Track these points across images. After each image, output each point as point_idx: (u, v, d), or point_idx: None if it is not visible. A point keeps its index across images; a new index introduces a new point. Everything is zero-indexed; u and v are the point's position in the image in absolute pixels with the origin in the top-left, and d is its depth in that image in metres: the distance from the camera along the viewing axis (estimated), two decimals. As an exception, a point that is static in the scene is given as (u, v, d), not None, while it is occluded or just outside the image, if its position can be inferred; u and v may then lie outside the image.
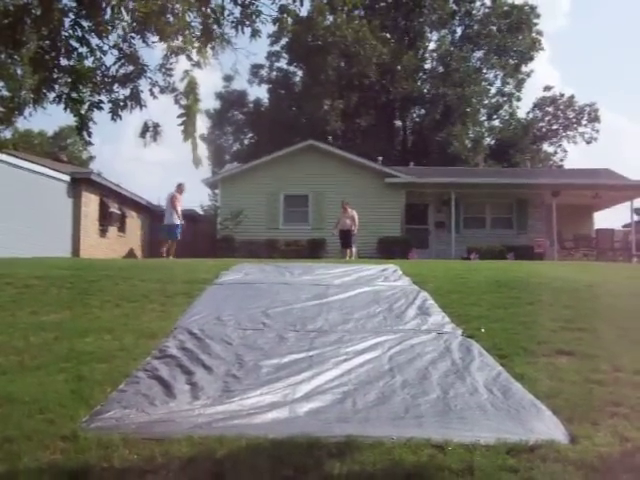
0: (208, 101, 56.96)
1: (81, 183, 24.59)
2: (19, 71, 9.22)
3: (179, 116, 7.26)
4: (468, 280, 11.29)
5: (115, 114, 7.35)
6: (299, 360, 6.04)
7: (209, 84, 65.28)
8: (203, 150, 47.62)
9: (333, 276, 11.38)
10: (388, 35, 47.42)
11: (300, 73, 49.83)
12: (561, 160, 53.37)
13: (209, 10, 8.13)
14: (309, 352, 6.32)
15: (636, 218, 29.71)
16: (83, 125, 7.52)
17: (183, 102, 7.37)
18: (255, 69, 49.39)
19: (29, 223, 20.56)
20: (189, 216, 34.08)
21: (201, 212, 33.68)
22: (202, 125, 52.86)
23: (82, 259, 20.30)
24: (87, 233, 24.99)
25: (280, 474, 3.66)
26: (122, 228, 29.20)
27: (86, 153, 60.37)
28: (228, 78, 47.86)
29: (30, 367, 5.85)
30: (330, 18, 41.81)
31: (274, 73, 50.49)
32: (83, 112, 7.60)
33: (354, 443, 4.09)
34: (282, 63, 50.21)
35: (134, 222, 31.07)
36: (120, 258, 25.87)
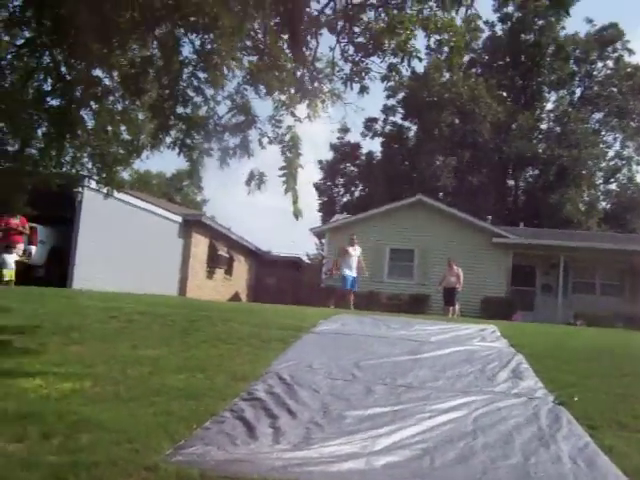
0: (322, 151, 58.12)
1: (192, 225, 25.52)
2: (140, 116, 9.80)
3: (280, 169, 7.49)
4: (568, 346, 11.01)
5: (223, 161, 7.71)
6: (383, 414, 6.05)
7: (324, 135, 66.75)
8: (314, 199, 48.40)
9: (430, 333, 11.32)
10: (504, 94, 47.25)
11: (414, 128, 50.15)
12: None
13: (317, 66, 8.47)
14: (394, 407, 6.31)
15: None
16: (194, 170, 7.94)
17: (285, 155, 7.62)
18: (369, 122, 50.12)
19: (141, 260, 21.41)
20: (295, 263, 34.72)
21: (307, 260, 34.15)
22: (313, 174, 53.79)
23: (187, 298, 20.91)
24: (195, 273, 25.79)
25: (348, 524, 3.69)
26: (229, 271, 29.95)
27: (200, 196, 62.44)
28: (343, 130, 48.73)
29: (124, 398, 6.11)
30: (447, 75, 42.20)
31: (388, 127, 51.02)
32: (194, 157, 8.03)
33: (426, 501, 4.08)
34: (397, 117, 50.76)
35: (241, 266, 31.82)
36: (225, 301, 26.46)
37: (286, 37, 7.44)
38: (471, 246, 28.01)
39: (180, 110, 8.16)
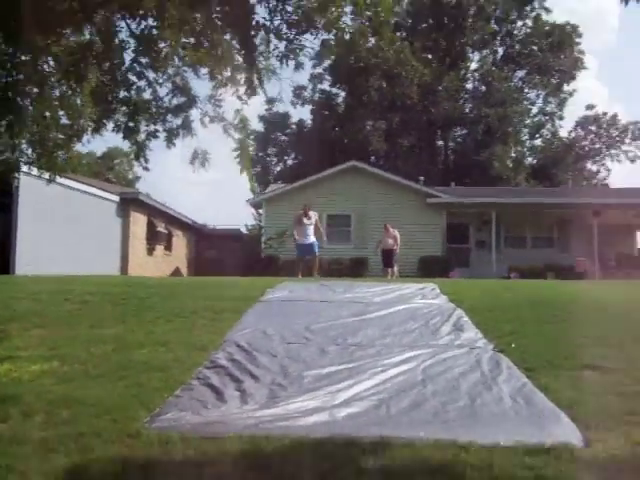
0: (251, 124, 57.95)
1: (129, 203, 25.55)
2: (78, 101, 9.93)
3: (234, 150, 7.79)
4: (504, 298, 11.67)
5: (170, 142, 7.99)
6: (339, 371, 6.52)
7: (252, 107, 66.53)
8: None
9: (373, 294, 11.83)
10: (430, 56, 47.95)
11: (343, 94, 50.51)
12: (605, 178, 53.16)
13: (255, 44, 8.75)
14: (348, 364, 6.78)
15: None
16: (140, 152, 8.18)
17: (236, 136, 7.89)
18: (298, 90, 50.25)
19: (80, 242, 21.43)
20: (234, 235, 34.95)
21: (246, 232, 34.36)
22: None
23: (131, 277, 21.03)
24: (135, 252, 25.88)
25: (320, 468, 4.13)
26: (168, 247, 30.08)
27: (132, 173, 61.87)
28: (271, 101, 48.65)
29: (93, 375, 6.42)
30: (372, 40, 42.49)
31: (317, 95, 51.26)
32: (140, 140, 8.27)
33: (387, 443, 4.55)
34: (325, 85, 51.02)
35: (180, 241, 31.94)
36: (167, 276, 26.61)
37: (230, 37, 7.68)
38: (406, 208, 28.74)
39: (122, 95, 8.39)
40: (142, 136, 8.23)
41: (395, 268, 22.60)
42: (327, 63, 47.76)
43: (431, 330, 8.68)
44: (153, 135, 7.97)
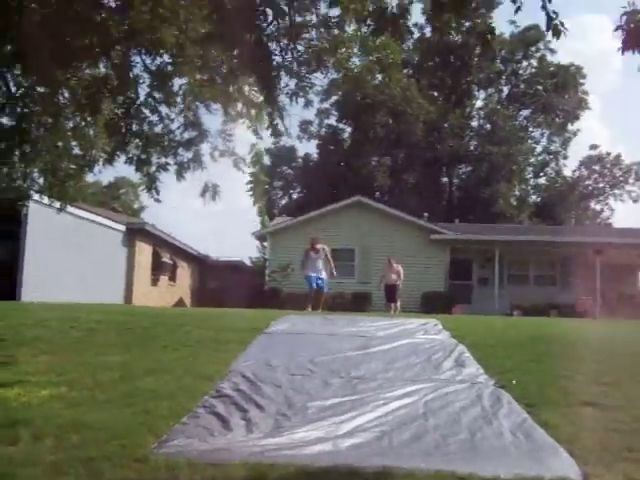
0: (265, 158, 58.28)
1: (135, 233, 25.77)
2: (91, 132, 10.17)
3: (247, 183, 7.99)
4: (506, 335, 11.79)
5: (180, 175, 8.20)
6: (342, 403, 6.63)
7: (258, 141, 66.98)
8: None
9: (376, 328, 11.95)
10: (435, 93, 48.48)
11: (349, 130, 50.97)
12: (609, 218, 53.40)
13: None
14: (351, 396, 6.90)
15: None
16: (152, 184, 8.39)
17: (250, 170, 8.08)
18: (304, 125, 50.73)
19: (86, 270, 21.61)
20: (237, 267, 35.11)
21: (249, 264, 34.50)
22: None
23: (136, 306, 21.18)
24: (140, 281, 26.04)
25: (324, 495, 4.25)
26: (173, 277, 30.24)
27: (138, 203, 62.26)
28: (277, 134, 49.09)
29: (101, 401, 6.54)
30: (379, 77, 43.02)
31: (323, 129, 51.74)
32: (151, 173, 8.49)
33: (389, 473, 4.66)
34: (332, 120, 51.50)
35: (184, 272, 32.10)
36: (170, 307, 26.73)
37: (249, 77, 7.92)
38: (410, 243, 28.94)
39: (135, 128, 8.62)
40: (153, 168, 8.43)
41: (398, 303, 22.70)
42: (334, 99, 48.33)
43: (433, 365, 8.80)
44: (164, 168, 8.19)
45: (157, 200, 8.47)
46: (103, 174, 36.77)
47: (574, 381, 7.90)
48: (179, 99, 8.22)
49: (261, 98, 8.19)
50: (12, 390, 6.90)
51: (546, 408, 6.66)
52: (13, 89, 9.73)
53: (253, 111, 8.35)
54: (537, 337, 11.46)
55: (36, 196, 12.76)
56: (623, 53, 4.74)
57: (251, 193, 9.02)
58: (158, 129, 8.47)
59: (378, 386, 7.44)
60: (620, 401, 6.98)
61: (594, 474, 4.80)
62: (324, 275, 19.03)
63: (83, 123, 9.95)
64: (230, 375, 7.73)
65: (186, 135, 8.83)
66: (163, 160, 8.34)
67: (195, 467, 4.74)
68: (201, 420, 5.93)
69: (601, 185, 54.11)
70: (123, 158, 8.95)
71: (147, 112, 8.25)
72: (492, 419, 6.18)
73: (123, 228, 25.08)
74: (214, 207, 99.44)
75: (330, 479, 4.53)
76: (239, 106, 8.32)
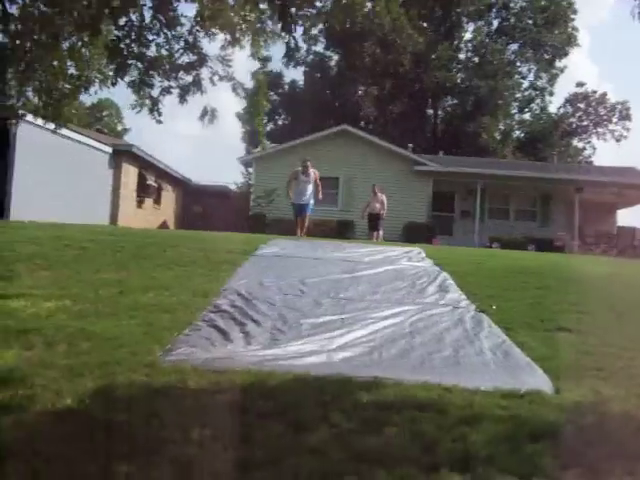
0: (244, 81, 57.60)
1: (122, 155, 25.80)
2: (87, 53, 10.25)
3: (245, 108, 8.22)
4: (486, 265, 12.26)
5: (183, 98, 8.39)
6: (333, 321, 7.06)
7: (244, 65, 66.52)
8: (239, 128, 48.75)
9: (361, 254, 12.38)
10: (425, 24, 48.04)
11: (336, 58, 50.55)
12: (590, 156, 53.84)
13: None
14: (341, 315, 7.32)
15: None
16: (154, 106, 8.58)
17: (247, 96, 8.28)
18: (291, 52, 50.10)
19: (73, 191, 21.76)
20: (221, 192, 35.28)
21: (234, 189, 34.66)
22: (234, 104, 53.87)
23: (125, 227, 21.42)
24: (125, 203, 26.25)
25: (322, 399, 4.65)
26: (158, 200, 30.43)
27: (120, 125, 61.84)
28: (265, 59, 48.67)
29: (105, 314, 6.90)
30: (369, 5, 42.52)
31: (310, 57, 51.26)
32: (155, 96, 8.66)
33: (379, 382, 5.09)
34: (319, 47, 50.99)
35: (169, 195, 32.28)
36: (155, 229, 26.99)
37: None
38: (393, 174, 29.21)
39: (137, 50, 8.73)
40: (156, 91, 8.60)
41: (380, 232, 23.02)
42: (322, 25, 47.68)
43: (417, 289, 9.24)
44: (167, 91, 8.36)
45: (159, 121, 8.64)
46: (86, 96, 36.16)
47: (550, 309, 8.37)
48: (184, 23, 8.33)
49: (264, 24, 8.35)
50: (18, 301, 7.24)
51: (523, 331, 7.13)
52: (8, 6, 9.76)
53: (257, 37, 8.50)
54: (517, 268, 11.93)
55: (29, 117, 12.82)
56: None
57: (248, 117, 9.08)
58: (160, 52, 8.59)
59: (366, 306, 7.87)
60: (592, 327, 7.45)
61: (565, 388, 5.25)
62: (311, 200, 18.30)
63: (80, 43, 10.01)
64: (226, 293, 8.12)
65: (186, 59, 8.95)
66: (166, 83, 8.48)
67: (200, 373, 5.14)
68: (202, 332, 6.32)
69: (585, 123, 54.36)
70: (123, 81, 9.05)
71: (149, 35, 8.37)
72: (473, 339, 6.63)
73: (110, 150, 25.13)
74: (198, 132, 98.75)
75: (326, 385, 4.94)
76: (242, 31, 8.46)
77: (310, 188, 18.15)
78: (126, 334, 6.09)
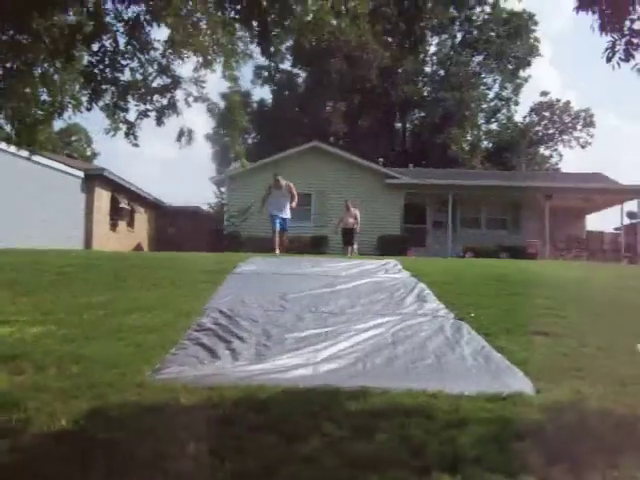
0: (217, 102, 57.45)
1: (94, 179, 25.78)
2: (59, 78, 10.31)
3: (222, 131, 8.39)
4: (461, 274, 12.46)
5: (160, 121, 8.48)
6: (316, 334, 7.18)
7: (213, 85, 66.59)
8: (209, 149, 48.80)
9: (339, 269, 12.52)
10: (390, 39, 48.57)
11: (304, 75, 50.87)
12: (557, 163, 54.63)
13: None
14: (324, 329, 7.44)
15: (626, 221, 30.89)
16: (130, 131, 8.66)
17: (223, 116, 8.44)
18: (258, 70, 50.45)
19: (45, 216, 21.69)
20: (193, 212, 35.29)
21: (208, 209, 34.65)
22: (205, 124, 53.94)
23: (101, 251, 21.36)
24: (99, 227, 26.17)
25: (311, 409, 4.78)
26: (131, 223, 30.38)
27: (90, 150, 61.62)
28: (232, 79, 48.79)
29: (91, 337, 6.96)
30: (334, 22, 42.92)
31: (278, 74, 51.53)
32: (131, 119, 8.75)
33: (366, 391, 5.22)
34: (286, 65, 51.30)
35: (142, 217, 32.22)
36: (130, 251, 26.93)
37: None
38: (365, 188, 29.47)
39: (110, 76, 8.82)
40: (132, 115, 8.68)
41: (355, 246, 23.17)
42: (289, 43, 48.05)
43: (396, 301, 9.40)
44: (145, 114, 8.44)
45: (135, 145, 8.71)
46: (57, 121, 36.10)
47: (527, 314, 8.56)
48: (158, 47, 8.43)
49: (235, 45, 8.50)
50: (3, 328, 7.28)
51: (502, 337, 7.32)
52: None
53: (228, 58, 8.65)
54: (491, 276, 12.14)
55: (2, 144, 12.81)
56: (578, 13, 5.13)
57: (227, 138, 9.25)
58: (134, 76, 8.68)
59: (347, 319, 8.01)
60: (568, 330, 7.66)
61: (546, 389, 5.44)
62: (288, 215, 18.07)
63: (52, 70, 10.07)
64: (208, 311, 8.22)
65: (160, 82, 9.05)
66: (142, 107, 8.57)
67: (191, 390, 5.24)
68: (189, 350, 6.43)
69: (551, 131, 55.20)
70: (97, 106, 9.12)
71: (123, 60, 8.46)
72: (455, 346, 6.80)
73: (81, 174, 25.09)
74: (167, 154, 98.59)
75: (315, 396, 5.07)
76: (214, 53, 8.61)
77: (286, 202, 17.97)
78: (115, 355, 6.17)
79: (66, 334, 7.07)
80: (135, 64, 8.42)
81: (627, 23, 4.93)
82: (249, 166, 32.34)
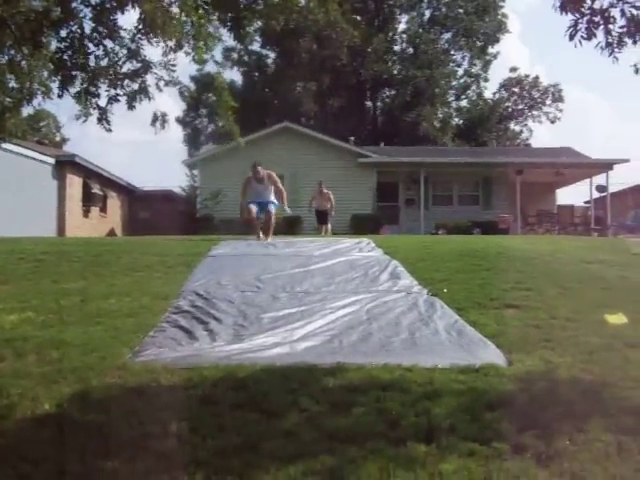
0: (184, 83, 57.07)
1: (65, 165, 25.57)
2: (27, 65, 10.25)
3: (216, 114, 8.48)
4: (434, 251, 12.62)
5: (131, 105, 8.49)
6: (292, 314, 7.29)
7: (182, 67, 66.16)
8: (180, 132, 48.54)
9: (312, 249, 12.63)
10: (359, 18, 48.48)
11: (273, 56, 50.68)
12: (527, 139, 55.04)
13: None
14: (299, 308, 7.56)
15: (596, 195, 31.28)
16: (103, 116, 8.66)
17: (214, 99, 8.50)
18: (227, 52, 50.16)
19: (16, 204, 21.51)
20: (166, 196, 35.16)
21: (181, 192, 34.52)
22: (178, 107, 53.60)
23: (75, 238, 21.25)
24: (71, 213, 26.01)
25: (290, 386, 4.90)
26: (104, 209, 30.22)
27: (59, 135, 60.94)
28: (202, 61, 48.47)
29: (70, 322, 7.02)
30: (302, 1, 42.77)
31: (247, 56, 51.26)
32: (102, 105, 8.74)
33: (342, 367, 5.35)
34: (255, 46, 51.04)
35: (114, 203, 32.06)
36: (103, 237, 26.81)
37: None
38: (338, 168, 29.55)
39: (81, 61, 8.80)
40: (103, 100, 8.67)
41: (329, 225, 23.23)
42: (257, 25, 47.76)
43: (370, 278, 9.53)
44: (115, 99, 8.45)
45: (109, 130, 8.71)
46: (25, 108, 35.64)
47: (498, 288, 8.74)
48: (126, 32, 8.42)
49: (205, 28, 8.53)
50: (-20, 316, 7.31)
51: (474, 311, 7.49)
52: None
53: (198, 42, 8.67)
54: (463, 252, 12.31)
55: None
56: (562, 13, 5.17)
57: (219, 119, 9.21)
58: (104, 62, 8.67)
59: (322, 298, 8.13)
60: (539, 303, 7.84)
61: (517, 360, 5.61)
62: (272, 198, 15.88)
63: (19, 56, 10.01)
64: (185, 294, 8.30)
65: (130, 66, 9.04)
66: (113, 92, 8.56)
67: (171, 371, 5.33)
68: (168, 333, 6.51)
69: (520, 107, 55.56)
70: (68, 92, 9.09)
71: (92, 46, 8.45)
72: (428, 321, 6.95)
73: (52, 161, 24.91)
74: (138, 137, 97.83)
75: (292, 374, 5.19)
76: (184, 37, 8.62)
77: (269, 195, 15.83)
78: (94, 340, 6.24)
79: (44, 320, 7.12)
80: (102, 50, 8.41)
81: (588, 2, 5.02)
82: (212, 149, 32.35)
